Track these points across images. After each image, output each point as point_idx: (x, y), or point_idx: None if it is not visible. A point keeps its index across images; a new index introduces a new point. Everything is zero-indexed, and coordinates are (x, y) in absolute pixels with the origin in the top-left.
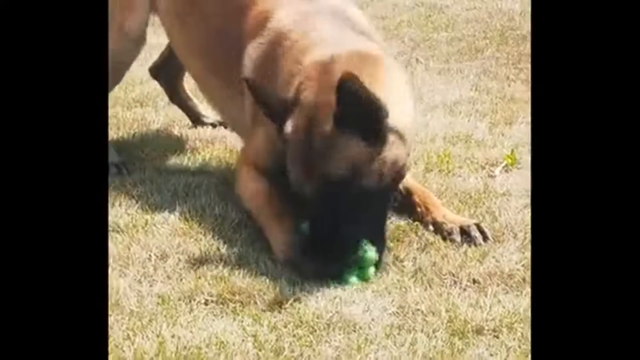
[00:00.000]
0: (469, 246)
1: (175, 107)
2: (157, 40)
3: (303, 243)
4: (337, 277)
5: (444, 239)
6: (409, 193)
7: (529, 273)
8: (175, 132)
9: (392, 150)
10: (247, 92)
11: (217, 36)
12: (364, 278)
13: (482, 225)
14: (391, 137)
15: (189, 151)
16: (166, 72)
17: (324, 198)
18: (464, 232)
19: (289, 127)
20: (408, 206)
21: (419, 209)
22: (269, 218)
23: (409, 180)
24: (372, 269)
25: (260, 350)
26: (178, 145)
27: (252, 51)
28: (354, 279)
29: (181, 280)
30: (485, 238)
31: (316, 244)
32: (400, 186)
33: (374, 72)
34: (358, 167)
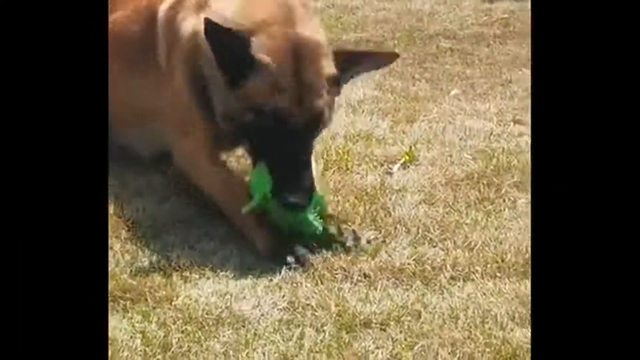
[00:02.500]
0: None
1: None
2: None
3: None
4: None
5: None
6: None
7: (419, 267)
8: None
9: None
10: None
11: (131, 44)
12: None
13: (358, 232)
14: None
15: None
16: None
17: (308, 130)
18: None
19: (265, 54)
20: None
21: None
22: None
23: None
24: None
25: (147, 346)
26: None
27: (162, 9)
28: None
29: None
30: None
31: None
32: None
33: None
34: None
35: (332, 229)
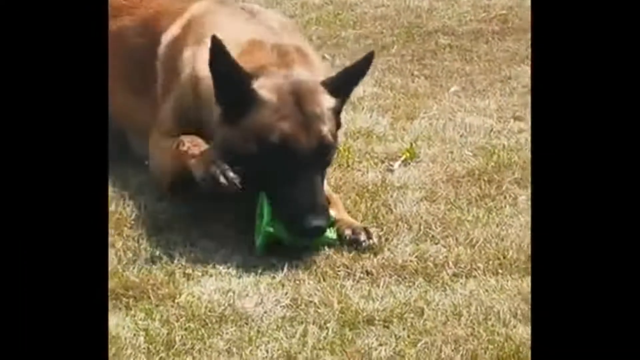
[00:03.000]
0: (356, 248)
1: None
2: None
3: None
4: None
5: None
6: None
7: (421, 264)
8: None
9: None
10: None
11: (132, 55)
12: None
13: (369, 228)
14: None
15: None
16: None
17: (317, 156)
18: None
19: (266, 91)
20: None
21: None
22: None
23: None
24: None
25: (151, 344)
26: None
27: (166, 37)
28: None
29: None
30: (369, 238)
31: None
32: None
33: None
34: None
35: (347, 232)
